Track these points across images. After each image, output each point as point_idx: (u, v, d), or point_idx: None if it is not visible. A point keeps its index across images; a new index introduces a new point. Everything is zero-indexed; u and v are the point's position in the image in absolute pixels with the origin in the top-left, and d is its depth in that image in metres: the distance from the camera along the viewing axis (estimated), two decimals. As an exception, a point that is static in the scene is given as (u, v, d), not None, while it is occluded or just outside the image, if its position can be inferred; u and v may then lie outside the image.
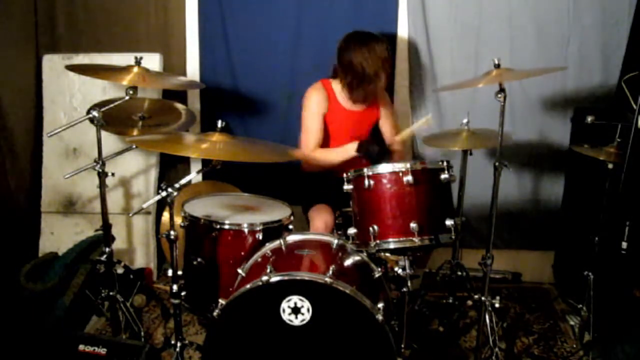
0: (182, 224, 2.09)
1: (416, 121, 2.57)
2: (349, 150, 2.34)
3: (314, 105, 2.44)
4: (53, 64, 2.96)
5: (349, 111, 2.51)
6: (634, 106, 1.95)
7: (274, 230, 2.06)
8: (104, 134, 2.14)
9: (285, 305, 1.66)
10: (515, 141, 2.69)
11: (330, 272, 1.66)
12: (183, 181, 1.86)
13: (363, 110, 2.54)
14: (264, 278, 1.66)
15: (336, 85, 2.48)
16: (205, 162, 1.92)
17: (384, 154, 2.29)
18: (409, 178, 1.74)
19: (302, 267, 1.82)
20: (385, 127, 2.64)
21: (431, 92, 2.87)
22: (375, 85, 2.35)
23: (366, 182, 1.78)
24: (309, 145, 2.43)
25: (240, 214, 2.15)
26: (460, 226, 1.89)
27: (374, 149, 2.29)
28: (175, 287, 1.89)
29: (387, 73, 2.35)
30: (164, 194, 1.80)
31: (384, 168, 1.78)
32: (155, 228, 3.01)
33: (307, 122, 2.45)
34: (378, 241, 1.78)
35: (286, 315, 1.66)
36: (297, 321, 1.66)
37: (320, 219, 2.30)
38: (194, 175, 1.98)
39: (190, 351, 2.25)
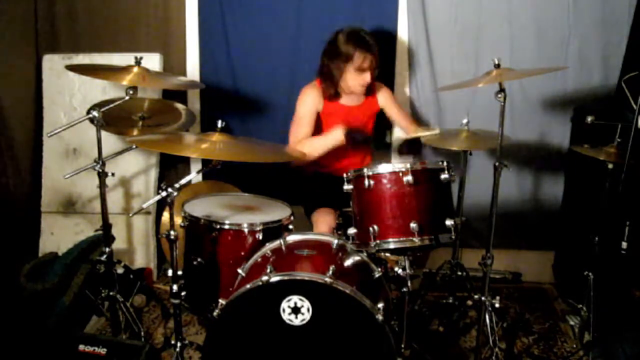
0: (182, 224, 2.09)
1: (424, 129, 2.60)
2: (336, 134, 2.34)
3: (307, 100, 2.47)
4: (53, 64, 2.96)
5: (345, 106, 2.52)
6: (634, 106, 1.95)
7: (274, 230, 2.06)
8: (104, 134, 2.14)
9: (285, 305, 1.66)
10: (515, 141, 2.69)
11: (330, 272, 1.66)
12: (183, 181, 1.86)
13: (360, 104, 2.55)
14: (264, 278, 1.66)
15: None
16: (205, 162, 1.92)
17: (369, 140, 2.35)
18: (409, 178, 1.74)
19: (302, 267, 1.82)
20: (392, 113, 2.64)
21: (431, 92, 2.87)
22: (346, 62, 2.36)
23: (366, 182, 1.78)
24: (298, 135, 2.45)
25: (240, 214, 2.15)
26: (460, 226, 1.89)
27: (359, 134, 2.34)
28: (175, 287, 1.89)
29: (365, 58, 2.35)
30: (164, 194, 1.80)
31: (384, 168, 1.78)
32: (155, 228, 3.01)
33: (299, 114, 2.48)
34: (378, 241, 1.77)
35: (286, 315, 1.66)
36: (297, 321, 1.66)
37: (325, 222, 2.31)
38: (194, 175, 1.98)
39: (190, 351, 2.25)
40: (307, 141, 2.43)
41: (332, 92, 2.46)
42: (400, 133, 2.89)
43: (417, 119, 2.92)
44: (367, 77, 2.38)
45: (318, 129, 2.52)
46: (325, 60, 2.44)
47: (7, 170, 2.90)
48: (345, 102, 2.53)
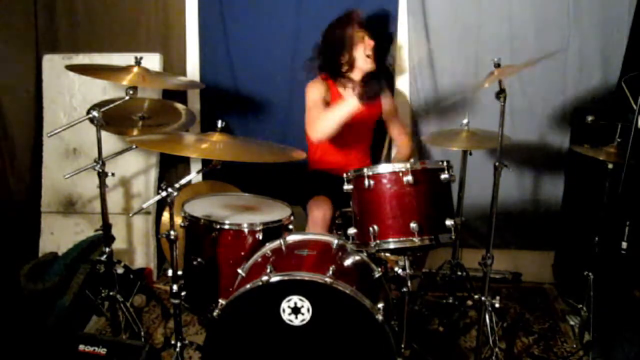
0: (182, 224, 2.10)
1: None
2: (350, 102, 2.22)
3: (316, 91, 2.45)
4: (53, 64, 2.96)
5: None
6: (634, 106, 1.95)
7: (274, 230, 2.06)
8: (104, 134, 2.14)
9: (285, 305, 1.66)
10: (515, 141, 2.69)
11: (330, 272, 1.66)
12: (183, 181, 1.86)
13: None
14: (264, 278, 1.66)
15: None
16: (205, 162, 1.92)
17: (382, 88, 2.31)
18: (409, 178, 1.73)
19: (302, 267, 1.82)
20: (389, 120, 2.65)
21: (431, 92, 2.87)
22: (346, 53, 2.38)
23: (366, 182, 1.78)
24: (313, 116, 2.38)
25: (240, 214, 2.15)
26: (460, 226, 1.89)
27: (374, 88, 2.24)
28: (175, 287, 1.89)
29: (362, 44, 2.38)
30: (164, 194, 1.80)
31: (384, 168, 1.78)
32: (155, 228, 3.01)
33: (310, 102, 2.42)
34: (378, 241, 1.77)
35: (286, 315, 1.66)
36: (297, 321, 1.66)
37: (319, 210, 2.29)
38: (194, 175, 1.98)
39: (190, 351, 2.25)
40: (323, 115, 2.33)
41: (341, 75, 2.47)
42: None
43: (417, 119, 2.92)
44: (368, 46, 2.39)
45: None
46: (327, 47, 2.45)
47: (7, 170, 2.90)
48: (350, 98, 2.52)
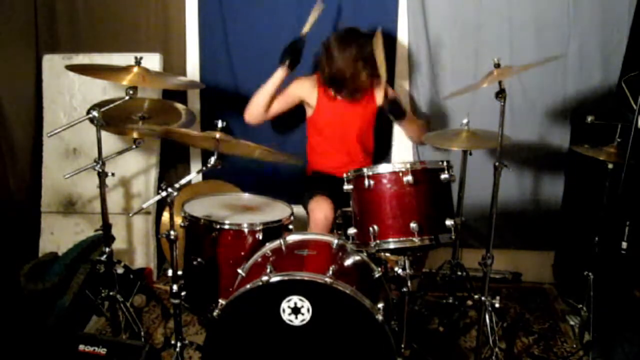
0: (182, 224, 2.10)
1: None
2: (277, 73, 2.52)
3: (298, 85, 2.59)
4: (53, 64, 2.96)
5: (340, 101, 2.52)
6: (634, 106, 1.95)
7: (274, 230, 2.06)
8: (104, 134, 2.14)
9: (285, 305, 1.66)
10: (515, 141, 2.69)
11: (330, 272, 1.66)
12: (183, 181, 1.86)
13: (357, 102, 2.55)
14: (264, 278, 1.66)
15: None
16: (205, 162, 1.91)
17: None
18: (409, 178, 1.74)
19: (302, 267, 1.83)
20: (402, 124, 2.65)
21: (430, 92, 2.87)
22: (351, 81, 2.43)
23: (366, 182, 1.78)
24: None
25: (240, 214, 2.15)
26: (460, 226, 1.89)
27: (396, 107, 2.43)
28: (175, 287, 1.89)
29: (364, 69, 2.42)
30: (164, 194, 1.80)
31: (384, 168, 1.78)
32: (155, 228, 3.01)
33: (285, 91, 2.59)
34: (378, 241, 1.78)
35: (286, 315, 1.66)
36: (297, 321, 1.66)
37: (321, 210, 2.30)
38: (194, 175, 1.98)
39: (190, 351, 2.25)
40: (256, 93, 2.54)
41: (336, 89, 2.51)
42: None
43: (418, 119, 2.91)
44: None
45: (317, 126, 2.55)
46: (325, 65, 2.49)
47: (7, 170, 2.90)
48: (341, 96, 2.53)
